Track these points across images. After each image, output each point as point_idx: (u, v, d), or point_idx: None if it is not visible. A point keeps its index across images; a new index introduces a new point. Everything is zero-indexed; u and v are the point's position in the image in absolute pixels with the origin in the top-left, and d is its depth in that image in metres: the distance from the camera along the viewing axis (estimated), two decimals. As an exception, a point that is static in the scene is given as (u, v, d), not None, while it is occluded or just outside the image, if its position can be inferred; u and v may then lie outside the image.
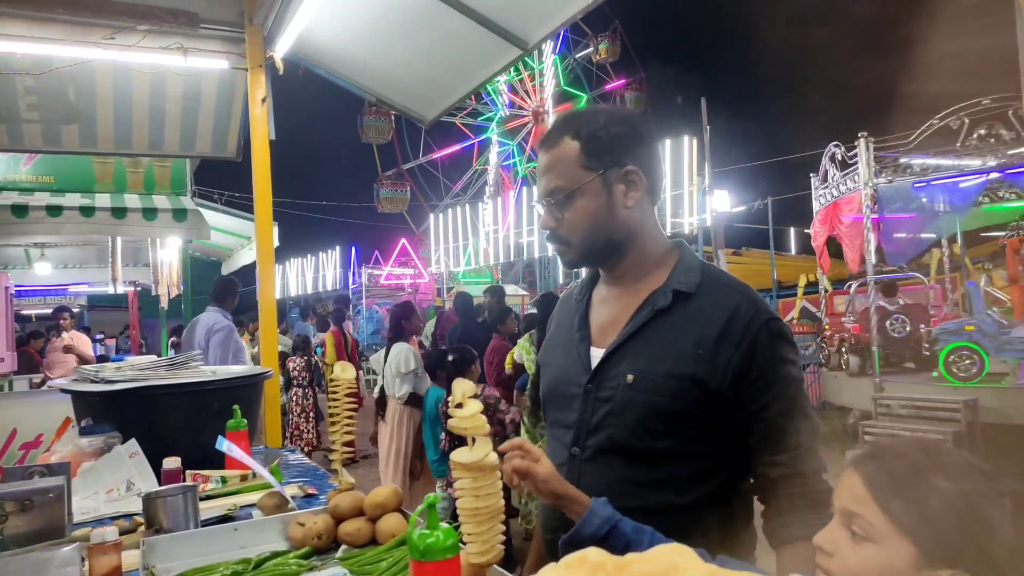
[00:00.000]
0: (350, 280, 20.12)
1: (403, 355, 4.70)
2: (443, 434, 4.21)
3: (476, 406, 1.03)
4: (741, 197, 16.13)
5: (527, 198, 16.72)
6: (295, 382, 7.11)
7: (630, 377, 1.23)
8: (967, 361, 6.86)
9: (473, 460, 1.02)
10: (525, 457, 1.13)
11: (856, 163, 8.04)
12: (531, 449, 1.15)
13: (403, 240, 21.36)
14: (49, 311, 14.99)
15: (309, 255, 21.49)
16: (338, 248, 20.30)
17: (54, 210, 4.81)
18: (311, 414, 7.23)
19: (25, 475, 1.69)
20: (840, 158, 8.60)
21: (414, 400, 4.72)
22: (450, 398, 1.04)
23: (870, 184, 7.84)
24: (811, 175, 9.59)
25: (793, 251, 21.78)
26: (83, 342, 7.12)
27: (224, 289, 4.67)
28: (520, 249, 16.92)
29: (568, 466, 1.27)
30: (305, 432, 7.09)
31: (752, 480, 1.26)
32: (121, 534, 1.48)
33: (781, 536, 1.19)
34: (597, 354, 1.30)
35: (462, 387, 1.03)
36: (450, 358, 4.21)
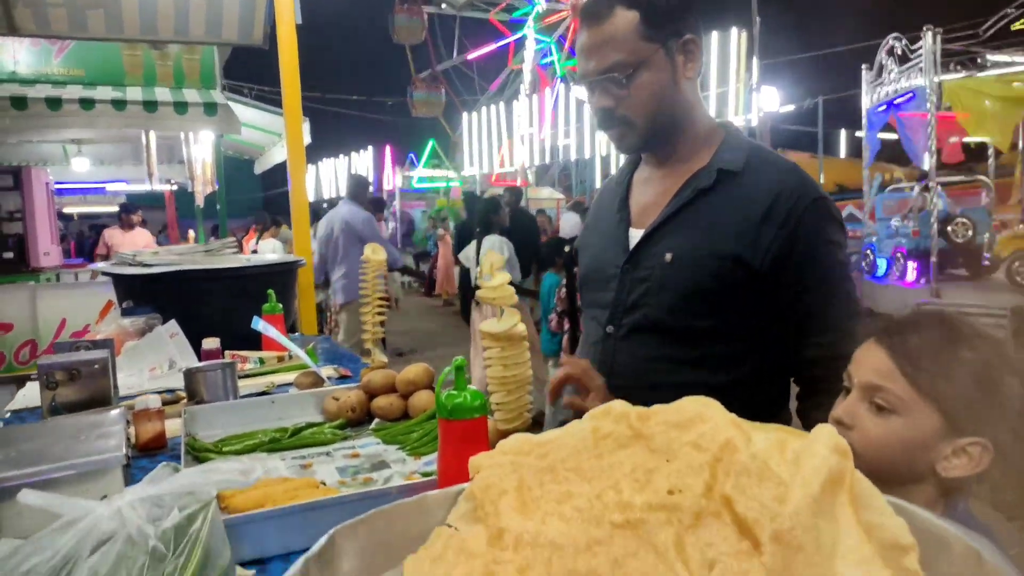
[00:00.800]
0: (384, 182, 20.07)
1: (497, 246, 4.92)
2: (552, 315, 4.49)
3: (504, 277, 1.02)
4: (790, 94, 15.44)
5: (564, 98, 16.23)
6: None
7: (668, 256, 1.22)
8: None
9: (501, 330, 1.02)
10: (581, 390, 1.18)
11: (917, 57, 7.54)
12: (589, 381, 1.17)
13: (431, 140, 21.09)
14: (91, 209, 15.35)
15: (341, 155, 21.35)
16: (371, 148, 20.12)
17: (87, 103, 4.80)
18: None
19: (72, 348, 1.76)
20: (900, 52, 8.06)
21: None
22: (478, 270, 1.03)
23: (935, 80, 7.32)
24: (863, 66, 8.95)
25: (842, 154, 21.00)
26: (147, 239, 7.37)
27: (357, 184, 5.26)
28: (556, 151, 16.59)
29: (603, 344, 1.28)
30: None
31: (789, 362, 1.25)
32: (164, 405, 1.55)
33: (814, 418, 1.19)
34: (637, 235, 1.29)
35: (490, 259, 1.02)
36: (566, 248, 4.52)
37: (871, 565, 0.50)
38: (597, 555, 0.52)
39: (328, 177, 21.93)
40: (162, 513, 0.79)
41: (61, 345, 1.79)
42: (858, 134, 10.55)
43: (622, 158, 1.47)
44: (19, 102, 4.67)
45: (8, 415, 1.79)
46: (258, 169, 8.53)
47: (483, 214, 5.43)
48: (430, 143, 21.07)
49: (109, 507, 0.77)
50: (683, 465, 0.57)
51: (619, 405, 0.67)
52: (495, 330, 1.02)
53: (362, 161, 20.37)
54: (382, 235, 5.23)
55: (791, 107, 15.66)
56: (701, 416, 0.62)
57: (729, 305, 1.20)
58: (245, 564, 0.91)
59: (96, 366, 1.61)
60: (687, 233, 1.23)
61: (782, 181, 1.20)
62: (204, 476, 0.82)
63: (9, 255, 6.04)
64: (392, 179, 20.03)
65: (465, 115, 19.66)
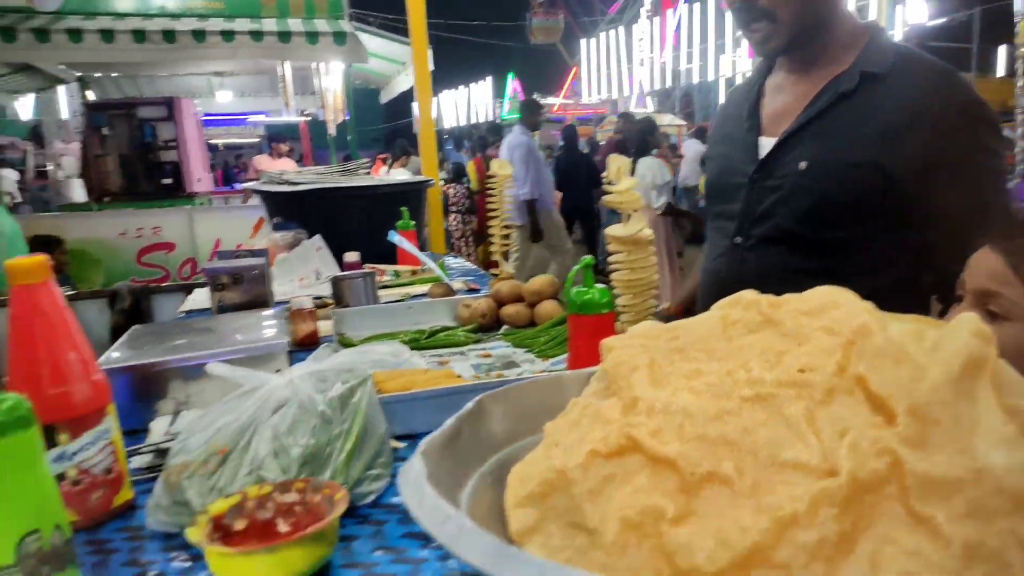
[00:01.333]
0: (504, 110, 20.04)
1: (655, 168, 5.00)
2: None
3: (631, 182, 1.04)
4: (941, 6, 13.85)
5: (688, 19, 15.38)
6: (453, 208, 7.45)
7: (803, 164, 1.17)
8: None
9: (628, 234, 1.05)
10: None
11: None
12: None
13: (574, 68, 20.65)
14: (234, 140, 16.39)
15: (461, 86, 21.45)
16: (490, 79, 20.06)
17: (227, 35, 5.09)
18: (470, 238, 7.63)
19: (234, 257, 1.95)
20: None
21: (668, 210, 5.16)
22: (605, 175, 1.05)
23: None
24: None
25: (1000, 72, 18.72)
26: (293, 168, 7.89)
27: (526, 107, 5.69)
28: (678, 76, 15.87)
29: (729, 256, 1.26)
30: (465, 254, 7.50)
31: (932, 278, 1.18)
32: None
33: None
34: (767, 144, 1.25)
35: (617, 163, 1.04)
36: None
37: (1013, 443, 0.50)
38: (727, 423, 0.55)
39: (448, 109, 22.14)
40: (326, 386, 0.89)
41: (224, 254, 1.98)
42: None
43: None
44: (169, 35, 5.01)
45: (183, 315, 2.03)
46: (384, 99, 8.76)
47: (639, 135, 5.55)
48: (508, 77, 20.68)
49: (283, 378, 0.88)
50: (814, 348, 0.58)
51: (749, 294, 0.69)
52: (621, 234, 1.05)
53: (481, 92, 20.38)
54: (541, 166, 5.41)
55: (941, 20, 14.04)
56: (834, 302, 0.63)
57: (866, 216, 1.14)
58: (396, 438, 1.01)
59: (255, 271, 1.79)
60: (824, 140, 1.17)
61: (932, 84, 1.12)
62: (361, 356, 0.92)
63: (168, 181, 6.61)
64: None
65: (583, 41, 19.09)
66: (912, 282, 1.20)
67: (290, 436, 0.81)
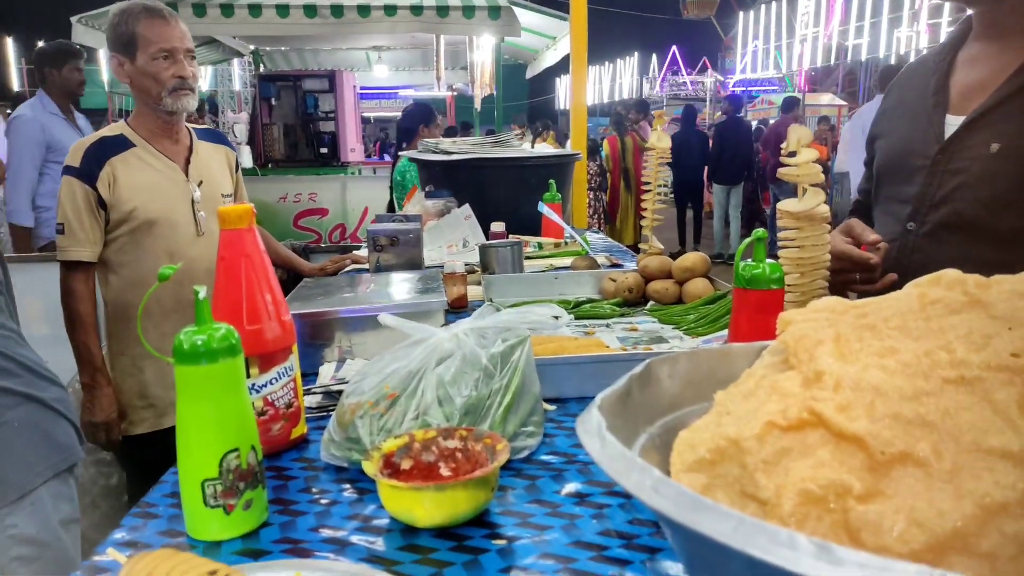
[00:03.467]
0: (650, 87, 19.59)
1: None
2: None
3: (811, 154, 0.99)
4: None
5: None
6: (588, 184, 7.42)
7: (995, 146, 1.07)
8: None
9: (802, 209, 1.00)
10: None
11: None
12: None
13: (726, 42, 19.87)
14: (384, 114, 17.13)
15: (607, 62, 21.15)
16: (636, 55, 19.63)
17: (390, 9, 5.30)
18: (601, 216, 7.58)
19: (390, 221, 2.05)
20: None
21: None
22: (783, 145, 1.00)
23: None
24: None
25: None
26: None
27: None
28: (843, 52, 14.77)
29: (900, 242, 1.18)
30: (599, 230, 7.48)
31: None
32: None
33: None
34: (954, 123, 1.14)
35: (798, 133, 0.99)
36: None
37: None
38: (925, 404, 0.52)
39: (592, 85, 21.91)
40: (487, 343, 0.92)
41: (381, 217, 2.09)
42: None
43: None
44: (337, 10, 5.29)
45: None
46: (529, 73, 8.80)
47: (787, 106, 5.41)
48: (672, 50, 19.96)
49: (448, 332, 0.92)
50: (1030, 333, 0.53)
51: (952, 273, 0.63)
52: (795, 209, 0.99)
53: (627, 68, 19.99)
54: None
55: None
56: (1057, 287, 0.57)
57: None
58: (546, 401, 1.03)
59: (411, 235, 1.87)
60: (1020, 120, 1.06)
61: None
62: (521, 316, 0.94)
63: (324, 150, 7.01)
64: (662, 85, 19.48)
65: (741, 14, 18.18)
66: None
67: (454, 386, 0.84)
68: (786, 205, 1.01)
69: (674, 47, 19.16)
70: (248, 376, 0.85)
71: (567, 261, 2.07)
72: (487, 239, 2.24)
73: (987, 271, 1.17)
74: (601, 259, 2.11)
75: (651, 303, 1.58)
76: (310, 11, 5.28)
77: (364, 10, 5.25)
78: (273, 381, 0.86)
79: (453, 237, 2.37)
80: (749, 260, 0.94)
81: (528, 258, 2.16)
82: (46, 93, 3.46)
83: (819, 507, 0.49)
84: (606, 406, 0.56)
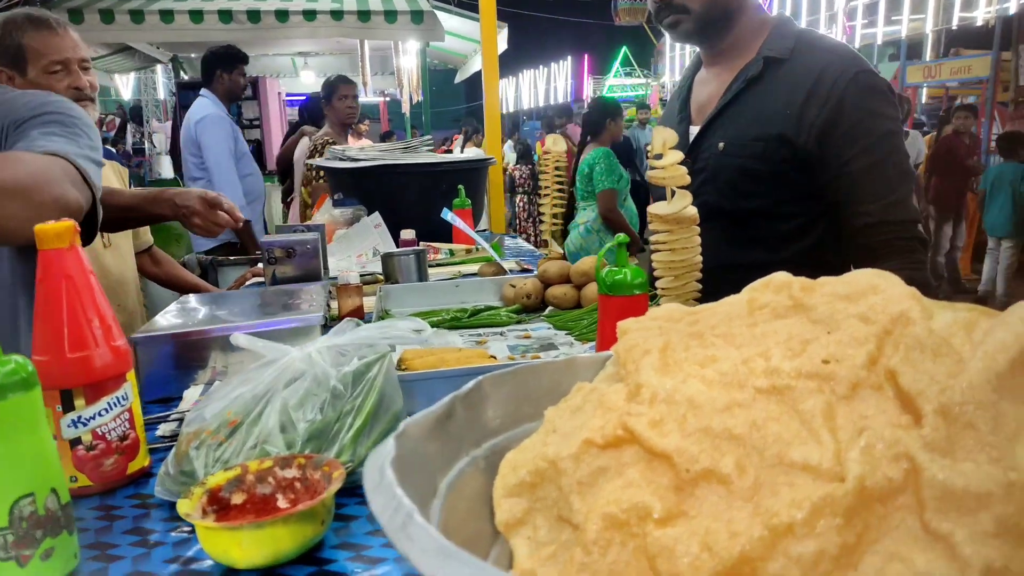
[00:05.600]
0: (580, 91, 19.78)
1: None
2: None
3: (676, 156, 0.97)
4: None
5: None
6: (519, 189, 7.42)
7: (721, 144, 1.34)
8: None
9: (670, 212, 0.98)
10: None
11: None
12: None
13: (623, 47, 20.24)
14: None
15: (541, 66, 21.27)
16: (569, 59, 19.80)
17: (309, 14, 5.19)
18: (536, 219, 7.61)
19: (290, 231, 1.98)
20: None
21: None
22: (649, 147, 0.99)
23: None
24: None
25: None
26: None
27: None
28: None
29: None
30: (531, 235, 7.47)
31: (844, 233, 1.30)
32: (365, 285, 1.70)
33: None
34: (695, 131, 1.41)
35: (663, 136, 0.97)
36: None
37: (1063, 452, 0.43)
38: (735, 416, 0.49)
39: (527, 89, 22.00)
40: (345, 360, 0.87)
41: (281, 228, 2.01)
42: None
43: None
44: (254, 15, 5.15)
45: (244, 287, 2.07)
46: (459, 79, 8.78)
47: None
48: (622, 50, 20.28)
49: (302, 352, 0.87)
50: (845, 336, 0.52)
51: (781, 276, 0.62)
52: (664, 212, 0.98)
53: (560, 72, 20.15)
54: None
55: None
56: (874, 287, 0.56)
57: (779, 184, 1.30)
58: (418, 417, 0.99)
59: (308, 246, 1.80)
60: (736, 121, 1.33)
61: (826, 60, 1.26)
62: (382, 331, 0.90)
63: (250, 159, 6.83)
64: (585, 88, 19.66)
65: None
66: (833, 241, 1.33)
67: (299, 410, 0.79)
68: (655, 208, 0.99)
69: (585, 55, 19.44)
70: (73, 408, 0.78)
71: (476, 267, 2.04)
72: (397, 247, 2.19)
73: (738, 250, 1.54)
74: (511, 264, 2.09)
75: (549, 308, 1.56)
76: (225, 16, 5.13)
77: (282, 15, 5.13)
78: (103, 412, 0.80)
79: (363, 246, 2.31)
80: (612, 266, 0.92)
81: (436, 265, 2.12)
82: (212, 93, 3.59)
83: (622, 532, 0.46)
84: (410, 432, 0.52)
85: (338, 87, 3.64)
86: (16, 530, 0.61)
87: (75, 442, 0.78)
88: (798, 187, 1.30)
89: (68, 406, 0.78)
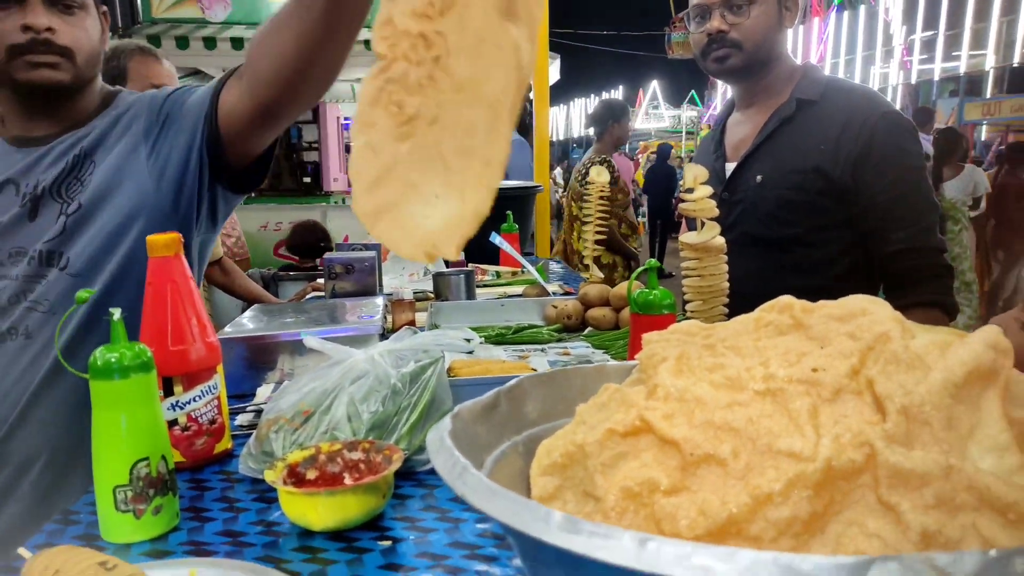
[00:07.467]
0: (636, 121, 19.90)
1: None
2: None
3: (706, 191, 1.07)
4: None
5: (835, 29, 14.63)
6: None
7: (759, 178, 1.47)
8: None
9: (699, 241, 1.08)
10: None
11: None
12: None
13: (654, 83, 20.33)
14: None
15: (592, 95, 21.53)
16: (621, 88, 20.02)
17: (368, 44, 5.44)
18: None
19: (350, 249, 2.12)
20: None
21: None
22: (681, 182, 1.09)
23: None
24: None
25: None
26: None
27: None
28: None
29: None
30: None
31: (875, 261, 1.40)
32: (417, 301, 1.82)
33: (897, 306, 1.24)
34: (731, 168, 1.55)
35: (693, 171, 1.07)
36: None
37: (1005, 451, 0.51)
38: (735, 412, 0.59)
39: (577, 116, 22.23)
40: (403, 363, 0.99)
41: (341, 246, 2.16)
42: None
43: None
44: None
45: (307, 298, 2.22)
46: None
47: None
48: (651, 86, 20.42)
49: (365, 354, 0.99)
50: (834, 350, 0.61)
51: (787, 298, 0.71)
52: (694, 241, 1.08)
53: (612, 100, 20.28)
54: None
55: None
56: (864, 310, 0.65)
57: (815, 213, 1.40)
58: (464, 418, 1.09)
59: (366, 263, 1.94)
60: (773, 156, 1.45)
61: (854, 102, 1.40)
62: (435, 339, 1.01)
63: (307, 179, 7.11)
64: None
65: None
66: (865, 268, 1.43)
67: (363, 403, 0.91)
68: (686, 238, 1.09)
69: (654, 83, 19.59)
70: (172, 394, 0.91)
71: (521, 289, 2.15)
72: (447, 267, 2.32)
73: (775, 276, 1.60)
74: (554, 287, 2.19)
75: (589, 329, 1.65)
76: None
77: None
78: (197, 399, 0.92)
79: (415, 266, 2.45)
80: (643, 288, 1.02)
81: (483, 286, 2.24)
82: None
83: (635, 501, 0.56)
84: (462, 414, 0.63)
85: (624, 113, 3.97)
86: (134, 487, 0.73)
87: (172, 423, 0.91)
88: (832, 215, 1.40)
89: (168, 391, 0.91)
